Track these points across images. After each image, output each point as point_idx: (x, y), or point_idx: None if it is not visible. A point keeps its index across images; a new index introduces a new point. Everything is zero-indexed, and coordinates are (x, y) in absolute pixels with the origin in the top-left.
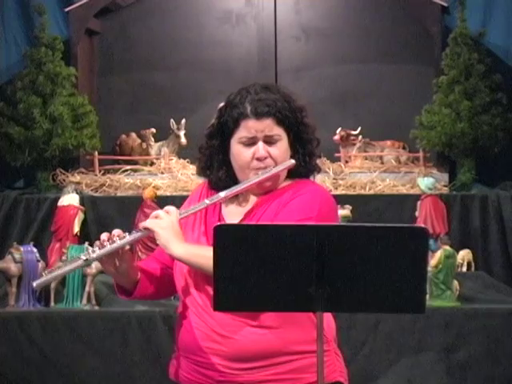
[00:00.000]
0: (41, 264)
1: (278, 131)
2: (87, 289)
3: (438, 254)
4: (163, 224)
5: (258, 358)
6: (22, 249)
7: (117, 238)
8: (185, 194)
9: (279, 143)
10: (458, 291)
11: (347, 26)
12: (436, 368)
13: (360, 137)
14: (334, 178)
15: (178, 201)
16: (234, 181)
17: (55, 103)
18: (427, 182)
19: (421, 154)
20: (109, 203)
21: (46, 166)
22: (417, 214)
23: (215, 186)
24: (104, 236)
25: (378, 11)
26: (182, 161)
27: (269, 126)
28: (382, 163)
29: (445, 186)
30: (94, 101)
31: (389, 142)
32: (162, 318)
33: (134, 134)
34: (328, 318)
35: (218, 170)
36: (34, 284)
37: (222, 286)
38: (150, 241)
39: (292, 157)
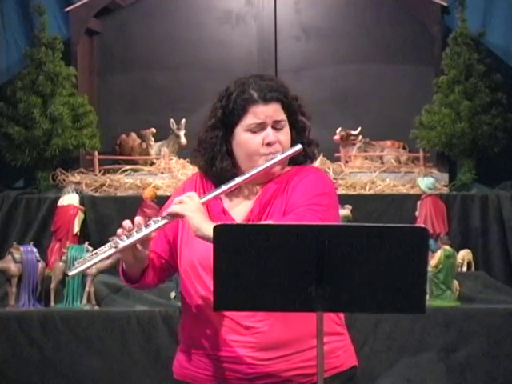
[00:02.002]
0: (41, 264)
1: (284, 117)
2: (87, 289)
3: (438, 254)
4: (192, 207)
5: (286, 346)
6: (21, 249)
7: (143, 226)
8: None
9: (285, 129)
10: (458, 291)
11: (347, 26)
12: (436, 368)
13: (360, 137)
14: (334, 178)
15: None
16: (238, 171)
17: (55, 103)
18: (427, 182)
19: (421, 154)
20: (109, 203)
21: (46, 166)
22: (417, 214)
23: (218, 177)
24: (128, 223)
25: (378, 11)
26: (182, 161)
27: (276, 111)
28: (382, 163)
29: (445, 185)
30: (94, 101)
31: (389, 142)
32: (162, 318)
33: (133, 134)
34: None
35: (221, 160)
36: (70, 274)
37: (222, 285)
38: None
39: (291, 144)
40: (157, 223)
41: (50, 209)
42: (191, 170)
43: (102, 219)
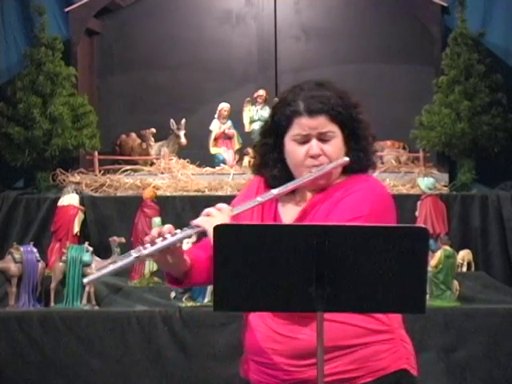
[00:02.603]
0: (41, 264)
1: (332, 128)
2: (87, 289)
3: (438, 254)
4: (215, 222)
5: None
6: (21, 249)
7: (168, 235)
8: (185, 193)
9: (333, 140)
10: (458, 291)
11: (347, 26)
12: (436, 368)
13: None
14: None
15: (177, 201)
16: (290, 178)
17: (55, 103)
18: (427, 182)
19: (421, 154)
20: (109, 203)
21: (46, 166)
22: (417, 214)
23: (270, 183)
24: (155, 232)
25: (378, 11)
26: (181, 161)
27: (322, 124)
28: (382, 163)
29: (445, 185)
30: (94, 101)
31: (389, 142)
32: (162, 318)
33: (133, 134)
34: None
35: (272, 168)
36: (85, 281)
37: (222, 285)
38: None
39: (346, 154)
40: (182, 233)
41: (50, 209)
42: (191, 169)
43: (102, 219)
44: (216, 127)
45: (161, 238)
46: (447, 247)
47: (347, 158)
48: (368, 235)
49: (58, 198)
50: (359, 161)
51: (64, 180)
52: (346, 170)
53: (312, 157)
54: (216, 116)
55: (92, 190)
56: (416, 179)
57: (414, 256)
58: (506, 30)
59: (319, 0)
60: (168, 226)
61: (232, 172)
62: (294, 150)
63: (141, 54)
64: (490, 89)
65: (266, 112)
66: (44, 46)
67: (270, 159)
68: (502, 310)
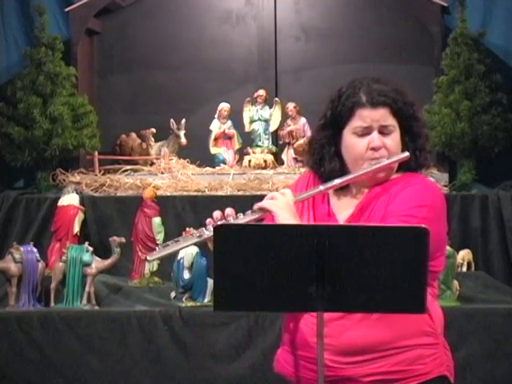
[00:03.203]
0: (41, 264)
1: (392, 122)
2: (87, 289)
3: None
4: (281, 204)
5: (366, 351)
6: (21, 249)
7: (231, 218)
8: (185, 193)
9: (393, 134)
10: (458, 291)
11: (347, 26)
12: None
13: None
14: None
15: (178, 201)
16: (346, 173)
17: (55, 103)
18: None
19: None
20: (109, 203)
21: (46, 166)
22: None
23: (327, 177)
24: (217, 214)
25: (378, 11)
26: (181, 161)
27: (384, 116)
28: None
29: (445, 185)
30: (93, 101)
31: None
32: (162, 318)
33: (133, 134)
34: (436, 311)
35: (330, 161)
36: (148, 257)
37: (222, 285)
38: (149, 240)
39: (402, 150)
40: (246, 217)
41: (50, 209)
42: (191, 169)
43: (102, 219)
44: (216, 127)
45: (223, 221)
46: (447, 247)
47: (408, 153)
48: (368, 235)
49: (58, 198)
50: (415, 159)
51: (64, 180)
52: (401, 167)
53: (373, 149)
54: (216, 116)
55: (92, 190)
56: None
57: (414, 256)
58: (506, 30)
59: (319, 0)
60: (230, 209)
61: (232, 172)
62: (353, 143)
63: (141, 54)
64: (490, 89)
65: (266, 112)
66: (44, 45)
67: (326, 153)
68: (501, 309)
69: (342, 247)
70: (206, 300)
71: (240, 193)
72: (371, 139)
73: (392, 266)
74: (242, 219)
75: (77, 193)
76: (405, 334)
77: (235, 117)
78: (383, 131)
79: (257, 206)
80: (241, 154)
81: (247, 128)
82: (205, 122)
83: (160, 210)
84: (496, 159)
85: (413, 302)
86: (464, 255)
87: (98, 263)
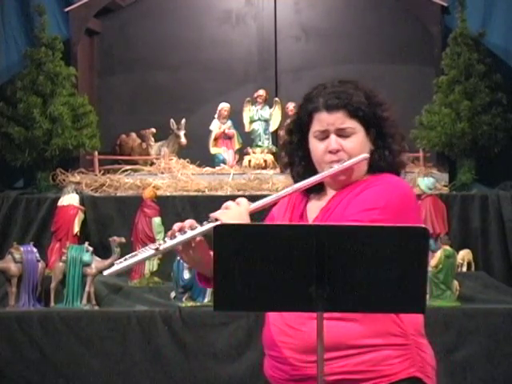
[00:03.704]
0: (41, 264)
1: (352, 124)
2: (87, 289)
3: (438, 254)
4: (231, 214)
5: (329, 349)
6: (21, 249)
7: (188, 229)
8: (185, 193)
9: (353, 137)
10: (458, 291)
11: (347, 26)
12: (436, 368)
13: None
14: None
15: (177, 201)
16: (316, 175)
17: (55, 103)
18: (427, 181)
19: (421, 154)
20: (109, 203)
21: (46, 166)
22: None
23: (296, 181)
24: (176, 226)
25: (378, 11)
26: (181, 161)
27: (340, 119)
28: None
29: (445, 185)
30: (93, 101)
31: None
32: (162, 318)
33: (133, 134)
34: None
35: (298, 165)
36: (105, 273)
37: (222, 285)
38: (149, 240)
39: (374, 152)
40: (201, 228)
41: (50, 209)
42: (191, 169)
43: (102, 219)
44: (216, 127)
45: (181, 232)
46: (447, 247)
47: (367, 154)
48: (368, 235)
49: (58, 198)
50: (385, 159)
51: (64, 180)
52: (372, 168)
53: (330, 152)
54: (216, 116)
55: (92, 190)
56: (416, 179)
57: (414, 256)
58: (506, 30)
59: (319, 0)
60: (190, 221)
61: (232, 172)
62: (315, 147)
63: (141, 54)
64: (490, 89)
65: (266, 112)
66: (44, 45)
67: (296, 157)
68: (501, 309)
69: (342, 247)
70: (205, 300)
71: (240, 193)
72: (328, 143)
73: (392, 266)
74: (196, 230)
75: (77, 193)
76: (369, 334)
77: (235, 117)
78: (341, 134)
79: (211, 215)
80: (241, 154)
81: (247, 128)
82: (205, 122)
83: (160, 210)
84: (496, 159)
85: (412, 302)
86: (464, 255)
87: (97, 263)
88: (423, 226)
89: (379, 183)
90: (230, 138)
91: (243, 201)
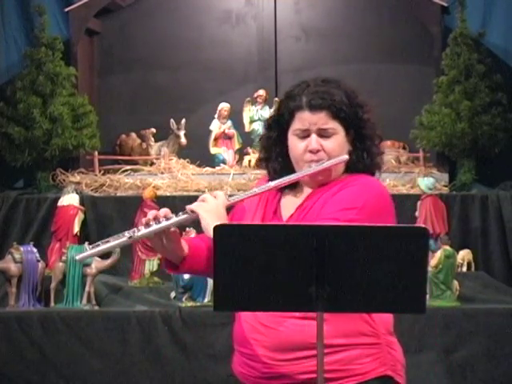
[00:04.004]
0: (41, 264)
1: (333, 125)
2: (87, 289)
3: (438, 254)
4: (207, 207)
5: (301, 348)
6: (21, 249)
7: (163, 219)
8: (185, 193)
9: (334, 137)
10: (458, 291)
11: (347, 26)
12: (436, 368)
13: None
14: None
15: (177, 201)
16: (291, 172)
17: (55, 103)
18: (427, 181)
19: (421, 154)
20: (109, 203)
21: (46, 166)
22: (417, 214)
23: (272, 176)
24: (150, 215)
25: (378, 11)
26: (181, 161)
27: (323, 119)
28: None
29: (445, 185)
30: (93, 101)
31: (389, 142)
32: (162, 318)
33: (133, 134)
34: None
35: (275, 160)
36: (77, 257)
37: (222, 285)
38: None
39: (351, 153)
40: (176, 218)
41: (50, 209)
42: (191, 169)
43: (102, 219)
44: (216, 127)
45: (155, 221)
46: (447, 247)
47: (347, 156)
48: (368, 235)
49: (58, 198)
50: (363, 160)
51: (64, 180)
52: (349, 169)
53: (310, 151)
54: (216, 116)
55: (92, 190)
56: (416, 179)
57: (414, 256)
58: (506, 30)
59: (319, 0)
60: (164, 210)
61: (232, 172)
62: (294, 145)
63: (141, 54)
64: (490, 89)
65: (266, 112)
66: (44, 45)
67: (273, 153)
68: (501, 309)
69: (342, 247)
70: (205, 300)
71: (240, 193)
72: (309, 142)
73: (392, 265)
74: (171, 220)
75: (77, 193)
76: (340, 333)
77: (235, 117)
78: (323, 134)
79: (187, 207)
80: (241, 154)
81: (247, 128)
82: (205, 122)
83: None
84: (496, 159)
85: (412, 302)
86: (464, 255)
87: (97, 263)
88: (423, 226)
89: (356, 183)
90: (230, 138)
91: (220, 194)
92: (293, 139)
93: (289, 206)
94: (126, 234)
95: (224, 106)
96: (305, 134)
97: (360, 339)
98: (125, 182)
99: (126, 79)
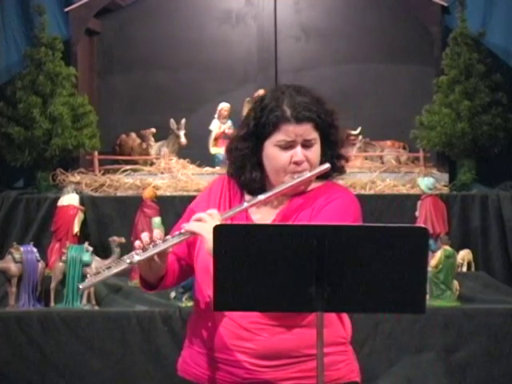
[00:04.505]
0: (41, 264)
1: (315, 135)
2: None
3: (438, 254)
4: (209, 228)
5: (285, 355)
6: (21, 249)
7: (160, 241)
8: (185, 193)
9: (314, 147)
10: (458, 291)
11: (347, 26)
12: (436, 368)
13: (360, 137)
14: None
15: (177, 201)
16: (266, 182)
17: (55, 103)
18: (427, 181)
19: (421, 154)
20: (109, 203)
21: (46, 166)
22: (417, 214)
23: (247, 187)
24: (145, 237)
25: (378, 11)
26: (181, 161)
27: (308, 130)
28: (382, 163)
29: (445, 185)
30: (93, 101)
31: (389, 142)
32: (162, 318)
33: (133, 134)
34: (347, 319)
35: (251, 171)
36: (80, 286)
37: (222, 285)
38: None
39: (321, 158)
40: (174, 239)
41: (50, 209)
42: (191, 169)
43: (102, 219)
44: (216, 127)
45: (152, 244)
46: (447, 247)
47: (328, 165)
48: (368, 235)
49: (58, 198)
50: (333, 166)
51: (64, 180)
52: (323, 175)
53: (296, 163)
54: (216, 116)
55: (92, 190)
56: (416, 179)
57: (414, 256)
58: (506, 30)
59: (319, 0)
60: (158, 232)
61: None
62: (276, 156)
63: (141, 54)
64: (490, 89)
65: None
66: (44, 45)
67: (248, 163)
68: (501, 309)
69: (342, 247)
70: None
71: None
72: (294, 153)
73: (392, 265)
74: (170, 242)
75: (77, 193)
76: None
77: (235, 117)
78: (306, 144)
79: (185, 228)
80: None
81: None
82: (205, 122)
83: (160, 210)
84: (496, 159)
85: (412, 302)
86: (464, 255)
87: (97, 263)
88: (423, 225)
89: (339, 195)
90: (229, 137)
91: (215, 213)
92: (274, 150)
93: (262, 214)
94: (126, 259)
95: (224, 106)
96: (288, 145)
97: (335, 347)
98: (125, 181)
99: (126, 79)
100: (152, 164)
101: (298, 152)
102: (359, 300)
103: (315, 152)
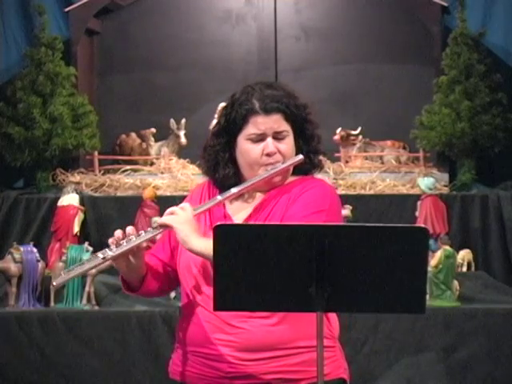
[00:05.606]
0: (41, 264)
1: (286, 127)
2: (87, 289)
3: (438, 254)
4: (181, 219)
5: (268, 348)
6: (21, 249)
7: (133, 237)
8: (185, 193)
9: (287, 139)
10: (458, 291)
11: (347, 26)
12: (436, 368)
13: (360, 137)
14: (334, 178)
15: (178, 201)
16: (240, 178)
17: (55, 103)
18: (427, 181)
19: (421, 154)
20: (109, 203)
21: (46, 166)
22: (417, 214)
23: (221, 184)
24: (118, 233)
25: (378, 11)
26: (181, 161)
27: (277, 122)
28: (382, 163)
29: (445, 185)
30: (93, 101)
31: (389, 142)
32: (162, 318)
33: (133, 134)
34: (334, 315)
35: (224, 168)
36: (54, 283)
37: (222, 285)
38: (149, 240)
39: (296, 153)
40: (147, 234)
41: (50, 209)
42: (191, 169)
43: (102, 219)
44: None
45: (126, 240)
46: (447, 247)
47: (302, 156)
48: (368, 235)
49: (58, 198)
50: (310, 161)
51: (64, 180)
52: (295, 170)
53: (268, 155)
54: (216, 116)
55: (92, 190)
56: (416, 179)
57: (414, 256)
58: (506, 30)
59: (319, 0)
60: (130, 228)
61: None
62: (248, 149)
63: (141, 54)
64: (490, 89)
65: None
66: (44, 45)
67: (221, 159)
68: (501, 309)
69: (342, 247)
70: None
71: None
72: (266, 145)
73: (392, 266)
74: (143, 237)
75: (77, 193)
76: (305, 335)
77: None
78: (277, 137)
79: (157, 222)
80: None
81: None
82: (205, 122)
83: (160, 210)
84: (496, 159)
85: (412, 302)
86: (464, 255)
87: None
88: (423, 226)
89: (315, 185)
90: None
91: (187, 206)
92: (245, 144)
93: (239, 208)
94: (100, 254)
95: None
96: (259, 138)
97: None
98: (125, 181)
99: (126, 79)
100: (152, 164)
101: (269, 143)
102: (359, 300)
103: (288, 144)
